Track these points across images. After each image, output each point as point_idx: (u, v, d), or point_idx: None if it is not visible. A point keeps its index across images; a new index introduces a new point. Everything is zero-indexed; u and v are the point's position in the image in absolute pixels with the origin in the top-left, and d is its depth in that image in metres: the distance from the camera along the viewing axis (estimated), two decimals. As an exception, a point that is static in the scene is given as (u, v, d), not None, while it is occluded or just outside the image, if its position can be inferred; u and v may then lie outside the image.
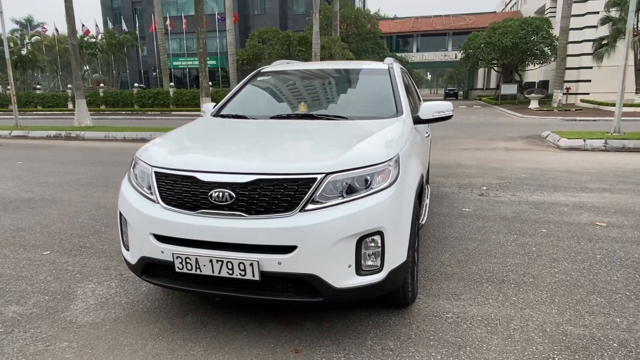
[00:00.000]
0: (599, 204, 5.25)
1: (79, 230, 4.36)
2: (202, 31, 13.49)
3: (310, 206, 2.11)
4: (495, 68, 32.38)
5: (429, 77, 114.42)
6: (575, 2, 24.58)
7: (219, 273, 2.14)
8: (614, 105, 23.79)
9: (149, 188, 2.40)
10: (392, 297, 2.58)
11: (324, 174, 2.13)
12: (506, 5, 58.38)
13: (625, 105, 22.92)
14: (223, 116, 3.41)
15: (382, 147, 2.39)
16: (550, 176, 7.08)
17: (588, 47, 27.93)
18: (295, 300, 2.18)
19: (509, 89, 31.21)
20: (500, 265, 3.44)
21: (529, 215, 4.82)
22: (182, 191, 2.25)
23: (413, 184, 2.49)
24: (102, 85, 35.08)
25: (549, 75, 35.17)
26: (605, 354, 2.25)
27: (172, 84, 29.20)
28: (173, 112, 26.39)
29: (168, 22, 36.99)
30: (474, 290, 2.99)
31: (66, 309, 2.77)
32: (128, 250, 2.51)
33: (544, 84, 36.24)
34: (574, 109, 24.38)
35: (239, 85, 3.76)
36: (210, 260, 2.14)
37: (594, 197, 5.60)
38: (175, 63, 43.26)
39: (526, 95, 28.10)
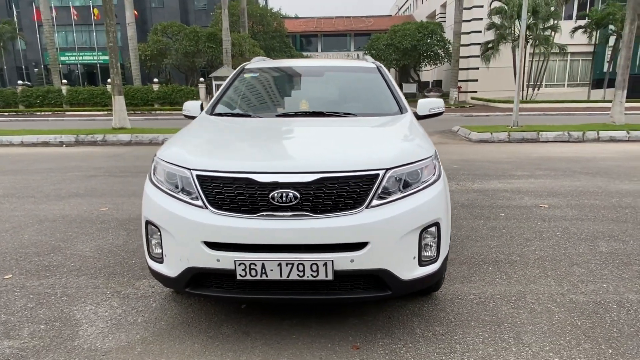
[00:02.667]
0: (531, 189, 5.96)
1: (33, 248, 3.80)
2: (112, 24, 12.34)
3: (375, 202, 2.13)
4: (396, 69, 34.54)
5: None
6: (463, 8, 27.17)
7: (288, 276, 2.06)
8: (501, 102, 26.96)
9: (187, 193, 2.22)
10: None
11: (385, 170, 2.17)
12: (399, 10, 62.43)
13: (508, 102, 26.05)
14: (221, 115, 3.23)
15: (424, 142, 2.49)
16: (477, 166, 7.83)
17: (475, 50, 31.10)
18: (365, 297, 2.18)
19: (410, 88, 33.53)
20: (486, 248, 3.76)
21: (482, 202, 5.31)
22: (237, 194, 2.12)
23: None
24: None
25: (442, 75, 38.46)
26: (613, 314, 2.61)
27: (65, 81, 26.24)
28: (67, 113, 23.75)
29: (54, 13, 33.13)
30: (479, 272, 3.24)
31: (76, 336, 2.43)
32: (162, 262, 2.29)
33: (438, 83, 39.57)
34: (468, 106, 27.00)
35: (226, 82, 3.58)
36: (279, 264, 2.05)
37: (524, 183, 6.33)
38: (62, 58, 38.89)
39: (426, 94, 30.46)
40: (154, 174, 2.44)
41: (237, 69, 3.78)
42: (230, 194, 2.13)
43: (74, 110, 24.36)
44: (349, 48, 50.29)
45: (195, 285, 2.22)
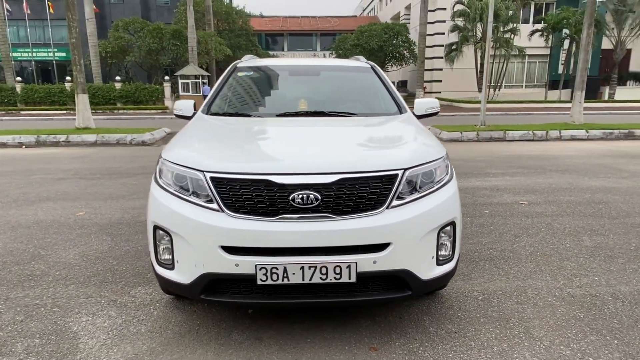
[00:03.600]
0: (508, 186, 6.15)
1: (10, 257, 3.56)
2: (74, 19, 11.72)
3: (395, 202, 2.12)
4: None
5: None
6: (428, 11, 27.79)
7: (310, 280, 2.02)
8: (465, 102, 27.78)
9: (199, 195, 2.13)
10: None
11: (403, 170, 2.16)
12: (364, 10, 63.09)
13: (471, 102, 26.89)
14: (219, 114, 3.13)
15: (434, 142, 2.50)
16: (453, 165, 8.00)
17: (439, 51, 31.89)
18: (386, 298, 2.17)
19: (376, 88, 33.99)
20: (479, 245, 3.84)
21: (465, 200, 5.42)
22: (255, 196, 2.05)
23: None
24: None
25: (407, 75, 39.19)
26: (611, 306, 2.72)
27: (19, 78, 24.82)
28: (23, 112, 22.49)
29: (7, 7, 31.27)
30: (477, 269, 3.31)
31: (77, 350, 2.28)
32: (172, 269, 2.19)
33: (403, 84, 40.31)
34: (433, 106, 27.59)
35: (220, 81, 3.47)
36: (302, 268, 2.00)
37: (501, 181, 6.53)
38: (14, 54, 36.78)
39: (392, 94, 30.90)
40: (160, 176, 2.32)
41: (229, 68, 3.68)
42: (248, 196, 2.06)
43: (29, 110, 23.09)
44: (315, 48, 50.36)
45: (211, 292, 2.13)
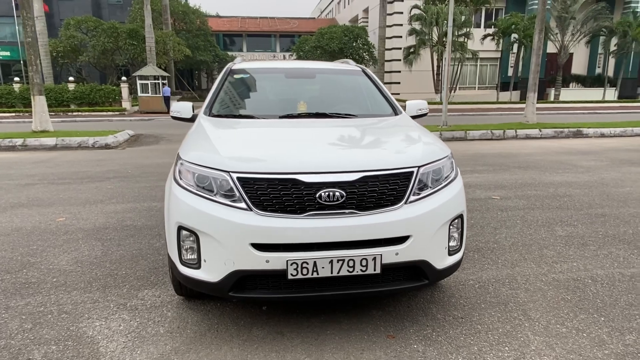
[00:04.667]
0: (479, 182, 6.51)
1: (-2, 266, 3.42)
2: (29, 17, 11.10)
3: (412, 198, 2.27)
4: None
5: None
6: (386, 14, 28.48)
7: (338, 272, 2.13)
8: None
9: (225, 195, 2.18)
10: None
11: (417, 167, 2.32)
12: (322, 13, 63.59)
13: (431, 103, 27.78)
14: (221, 116, 3.17)
15: (439, 142, 2.68)
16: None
17: (397, 54, 32.73)
18: (406, 287, 2.31)
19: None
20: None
21: (442, 196, 5.69)
22: (282, 195, 2.13)
23: None
24: None
25: (366, 77, 39.85)
26: (592, 288, 3.01)
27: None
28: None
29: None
30: (468, 260, 3.52)
31: (99, 353, 2.27)
32: (198, 268, 2.23)
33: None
34: (393, 107, 28.30)
35: (217, 84, 3.50)
36: (331, 261, 2.10)
37: (470, 177, 6.89)
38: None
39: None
40: (180, 177, 2.35)
41: (224, 70, 3.70)
42: (276, 195, 2.14)
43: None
44: (274, 49, 50.23)
45: (239, 289, 2.19)
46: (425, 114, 3.68)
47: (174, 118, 3.48)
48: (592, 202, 5.34)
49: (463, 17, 27.99)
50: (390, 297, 2.85)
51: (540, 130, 13.18)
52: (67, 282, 3.15)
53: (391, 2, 32.12)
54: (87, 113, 22.05)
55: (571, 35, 30.12)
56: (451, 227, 2.41)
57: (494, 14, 35.22)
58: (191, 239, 2.24)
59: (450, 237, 2.40)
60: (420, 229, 2.23)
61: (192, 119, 3.38)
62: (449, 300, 2.86)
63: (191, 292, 2.74)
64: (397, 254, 2.19)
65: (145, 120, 19.43)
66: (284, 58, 49.41)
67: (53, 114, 20.94)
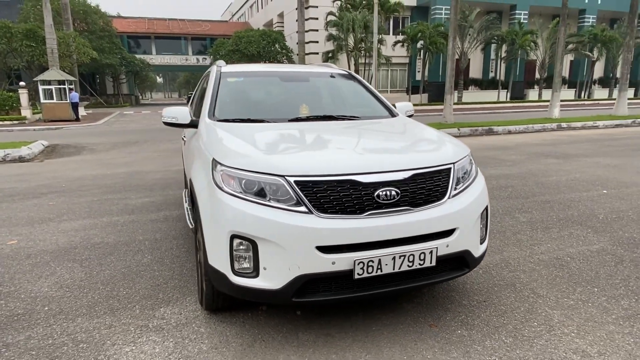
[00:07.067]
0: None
1: (-36, 300, 2.95)
2: None
3: (453, 192, 2.42)
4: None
5: (160, 80, 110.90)
6: (297, 20, 28.98)
7: (400, 268, 2.20)
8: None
9: (279, 200, 2.15)
10: None
11: (453, 163, 2.48)
12: (233, 16, 62.61)
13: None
14: (228, 121, 3.05)
15: (457, 141, 2.86)
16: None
17: (315, 59, 33.39)
18: (452, 276, 2.44)
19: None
20: (446, 230, 4.37)
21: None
22: (342, 196, 2.15)
23: None
24: None
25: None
26: (573, 265, 3.42)
27: None
28: None
29: None
30: (461, 250, 3.79)
31: (149, 380, 2.09)
32: (256, 276, 2.16)
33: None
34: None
35: (213, 88, 3.35)
36: (393, 258, 2.17)
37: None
38: None
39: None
40: (224, 184, 2.25)
41: (215, 74, 3.56)
42: (336, 196, 2.15)
43: None
44: (186, 52, 48.37)
45: (301, 294, 2.16)
46: (411, 116, 3.88)
47: (167, 124, 3.27)
48: (533, 190, 6.00)
49: (375, 24, 29.44)
50: (413, 290, 2.99)
51: (459, 129, 14.34)
52: (63, 309, 2.82)
53: (306, 8, 32.71)
54: (-23, 123, 19.35)
55: (469, 42, 33.18)
56: (481, 217, 2.60)
57: (401, 22, 37.52)
58: (244, 247, 2.16)
59: (481, 227, 2.60)
60: (464, 220, 2.38)
61: (190, 125, 3.22)
62: (464, 286, 3.07)
63: (223, 305, 2.63)
64: (447, 245, 2.32)
65: (52, 129, 17.59)
66: (198, 61, 47.83)
67: None
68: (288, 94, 3.67)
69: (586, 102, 34.01)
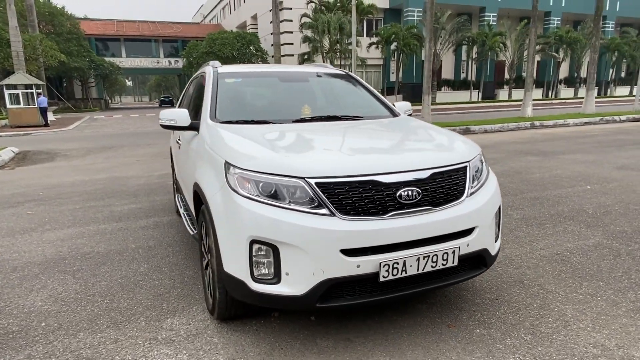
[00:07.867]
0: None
1: (-50, 319, 2.74)
2: None
3: (470, 190, 2.40)
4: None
5: (130, 83, 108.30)
6: (272, 22, 28.86)
7: (423, 269, 2.16)
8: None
9: (300, 203, 2.08)
10: None
11: (468, 162, 2.46)
12: (204, 18, 61.80)
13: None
14: (232, 122, 2.95)
15: (466, 139, 2.85)
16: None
17: (291, 60, 33.32)
18: (472, 275, 2.42)
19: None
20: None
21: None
22: (364, 197, 2.10)
23: None
24: None
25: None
26: (574, 259, 3.48)
27: None
28: None
29: None
30: (463, 248, 3.80)
31: (168, 396, 1.98)
32: (278, 282, 2.08)
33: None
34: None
35: (211, 89, 3.23)
36: (418, 259, 2.13)
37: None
38: None
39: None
40: (240, 187, 2.16)
41: (212, 75, 3.44)
42: (358, 197, 2.10)
43: None
44: (157, 54, 47.43)
45: (324, 299, 2.10)
46: (411, 115, 3.87)
47: (165, 127, 3.14)
48: (520, 188, 6.10)
49: (353, 26, 29.64)
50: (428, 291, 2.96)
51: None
52: (62, 324, 2.66)
53: (281, 10, 32.60)
54: (-63, 130, 18.37)
55: (441, 44, 33.79)
56: (495, 215, 2.60)
57: (375, 24, 37.89)
58: (264, 252, 2.08)
59: (496, 225, 2.59)
60: (482, 219, 2.37)
61: (190, 127, 3.10)
62: (473, 285, 3.07)
63: (236, 313, 2.53)
64: (468, 244, 2.30)
65: (21, 135, 16.88)
66: (170, 63, 46.96)
67: None
68: (289, 95, 3.59)
69: (554, 101, 35.16)
